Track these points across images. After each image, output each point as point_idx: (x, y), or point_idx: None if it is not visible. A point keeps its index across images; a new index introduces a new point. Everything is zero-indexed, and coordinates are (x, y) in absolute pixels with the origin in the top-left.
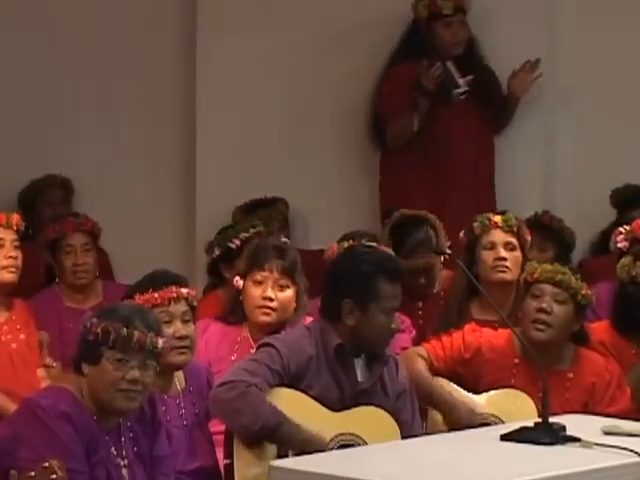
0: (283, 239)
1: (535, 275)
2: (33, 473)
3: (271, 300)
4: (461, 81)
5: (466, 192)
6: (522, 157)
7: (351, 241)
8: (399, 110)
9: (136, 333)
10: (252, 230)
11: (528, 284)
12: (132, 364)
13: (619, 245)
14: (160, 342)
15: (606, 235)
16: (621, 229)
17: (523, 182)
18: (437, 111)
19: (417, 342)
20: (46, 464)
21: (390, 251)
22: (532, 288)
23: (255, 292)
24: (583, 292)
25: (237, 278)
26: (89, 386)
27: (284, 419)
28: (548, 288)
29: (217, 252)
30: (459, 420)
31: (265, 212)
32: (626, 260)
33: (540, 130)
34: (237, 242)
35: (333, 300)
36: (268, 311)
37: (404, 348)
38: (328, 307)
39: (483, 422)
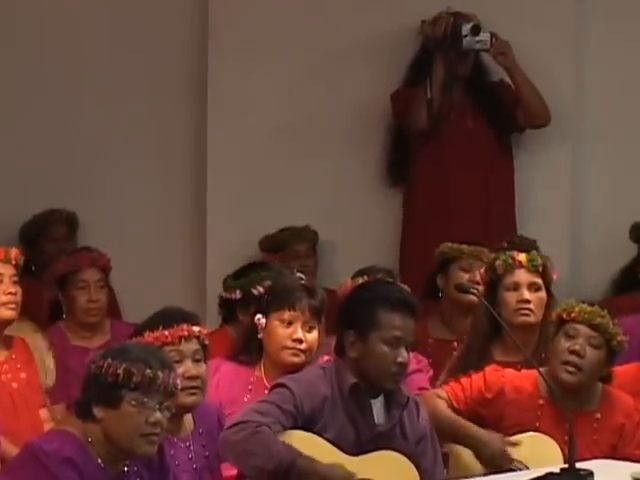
0: (299, 274)
1: (572, 314)
2: None
3: (301, 342)
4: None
5: (472, 222)
6: (548, 186)
7: (365, 277)
8: (414, 99)
9: (160, 374)
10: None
11: (562, 321)
12: (153, 406)
13: None
14: (179, 382)
15: (627, 272)
16: None
17: (547, 212)
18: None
19: None
20: None
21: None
22: (566, 327)
23: (284, 332)
24: (619, 338)
25: (259, 316)
26: (104, 431)
27: (299, 455)
28: (584, 330)
29: (239, 295)
30: (492, 452)
31: (294, 240)
32: None
33: (567, 160)
34: (261, 289)
35: (340, 334)
36: (298, 352)
37: (421, 388)
38: (337, 342)
39: (509, 467)
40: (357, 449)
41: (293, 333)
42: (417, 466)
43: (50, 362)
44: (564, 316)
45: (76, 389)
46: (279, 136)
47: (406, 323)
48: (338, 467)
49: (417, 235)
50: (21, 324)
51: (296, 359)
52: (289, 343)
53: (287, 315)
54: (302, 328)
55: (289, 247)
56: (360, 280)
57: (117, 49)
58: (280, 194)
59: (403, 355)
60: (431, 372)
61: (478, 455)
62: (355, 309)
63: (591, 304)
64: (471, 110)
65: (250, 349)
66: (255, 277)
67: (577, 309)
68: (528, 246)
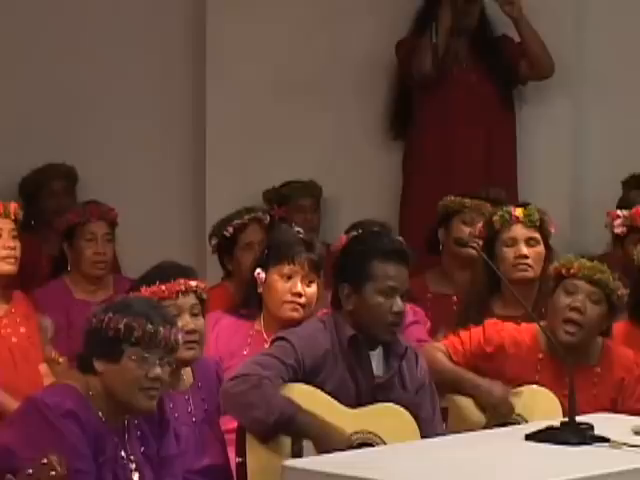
0: (297, 228)
1: (572, 270)
2: (31, 471)
3: (300, 296)
4: None
5: (474, 176)
6: (549, 140)
7: (360, 230)
8: (419, 45)
9: (161, 329)
10: (247, 216)
11: (561, 277)
12: (153, 361)
13: (616, 230)
14: (180, 337)
15: None
16: (619, 213)
17: (548, 166)
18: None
19: None
20: (45, 460)
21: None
22: (566, 282)
23: (283, 287)
24: (619, 293)
25: (259, 270)
26: (104, 384)
27: (299, 409)
28: (584, 286)
29: (213, 242)
30: (495, 399)
31: (299, 194)
32: None
33: (568, 113)
34: (230, 230)
35: (335, 288)
36: (297, 307)
37: (420, 340)
38: (333, 296)
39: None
40: (357, 401)
41: (292, 287)
42: (416, 416)
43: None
44: (563, 272)
45: (78, 342)
46: (280, 89)
47: (399, 272)
48: (335, 427)
49: (418, 189)
50: None
51: (295, 314)
52: (288, 297)
53: (286, 269)
54: (301, 282)
55: (293, 201)
56: (354, 233)
57: (116, 3)
58: (280, 147)
59: (398, 304)
60: (429, 324)
61: (479, 402)
62: (348, 262)
63: (590, 259)
64: (475, 65)
65: (250, 303)
66: (224, 220)
67: (576, 265)
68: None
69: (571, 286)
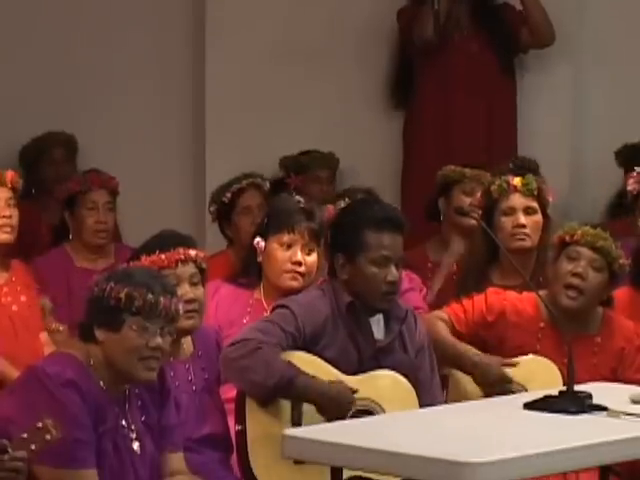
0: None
1: (575, 237)
2: (26, 435)
3: (300, 265)
4: None
5: (474, 145)
6: (549, 109)
7: (346, 199)
8: (420, 11)
9: (161, 299)
10: (245, 182)
11: (564, 244)
12: (154, 331)
13: (630, 188)
14: (180, 307)
15: (622, 197)
16: (638, 169)
17: (548, 135)
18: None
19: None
20: (39, 424)
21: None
22: (568, 249)
23: (283, 255)
24: (620, 261)
25: (258, 239)
26: (105, 353)
27: (299, 372)
28: (586, 252)
29: (212, 209)
30: (492, 377)
31: (317, 164)
32: None
33: (569, 82)
34: (228, 195)
35: (330, 257)
36: (297, 276)
37: (416, 307)
38: (329, 265)
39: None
40: (359, 366)
41: (292, 256)
42: (415, 379)
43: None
44: (566, 239)
45: (79, 311)
46: (280, 57)
47: (393, 241)
48: (338, 384)
49: (419, 157)
50: None
51: (295, 283)
52: (288, 266)
53: (286, 238)
54: (301, 251)
55: (311, 171)
56: (341, 203)
57: None
58: (280, 115)
59: (393, 273)
60: (425, 290)
61: (476, 379)
62: (341, 232)
63: (594, 226)
64: (476, 32)
65: (249, 272)
66: (222, 186)
67: (580, 232)
68: (530, 168)
69: (573, 252)
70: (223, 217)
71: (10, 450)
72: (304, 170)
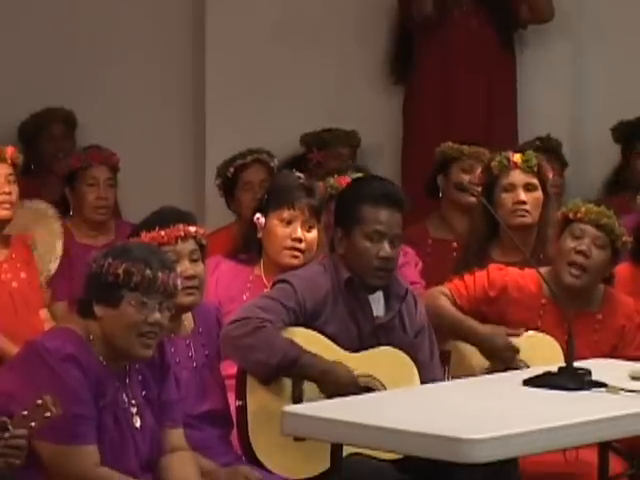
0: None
1: (579, 214)
2: (26, 412)
3: (300, 241)
4: None
5: (474, 121)
6: (548, 84)
7: (335, 175)
8: None
9: (160, 275)
10: (249, 157)
11: (568, 221)
12: (152, 306)
13: None
14: (179, 282)
15: (619, 172)
16: None
17: (548, 110)
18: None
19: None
20: (39, 401)
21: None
22: (572, 226)
23: (283, 232)
24: (624, 239)
25: (258, 215)
26: (103, 329)
27: (302, 351)
28: (590, 230)
29: (217, 182)
30: (498, 346)
31: (340, 142)
32: None
33: (568, 58)
34: (232, 170)
35: (332, 232)
36: (297, 253)
37: (412, 282)
38: (330, 240)
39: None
40: (359, 343)
41: (292, 232)
42: (415, 359)
43: (59, 248)
44: (570, 216)
45: (79, 287)
46: (280, 34)
47: (389, 217)
48: (340, 364)
49: (419, 133)
50: (39, 205)
51: (295, 261)
52: (288, 242)
53: (286, 214)
54: (301, 227)
55: (332, 147)
56: (331, 180)
57: None
58: (280, 92)
59: (385, 249)
60: (420, 264)
61: (483, 351)
62: (341, 206)
63: (598, 204)
64: (475, 8)
65: (250, 248)
66: (226, 161)
67: (584, 209)
68: (556, 147)
69: (577, 230)
70: (227, 192)
71: (10, 428)
72: (326, 146)
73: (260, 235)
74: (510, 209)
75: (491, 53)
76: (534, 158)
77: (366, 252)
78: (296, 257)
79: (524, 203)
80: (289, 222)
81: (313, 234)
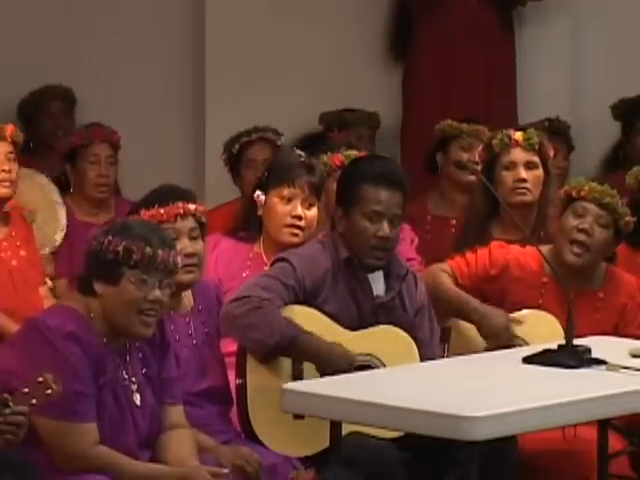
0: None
1: (582, 192)
2: (27, 389)
3: (300, 219)
4: None
5: (473, 99)
6: (548, 62)
7: (329, 153)
8: None
9: (159, 252)
10: (255, 135)
11: (571, 199)
12: (152, 284)
13: None
14: (179, 260)
15: (618, 150)
16: None
17: (547, 88)
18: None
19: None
20: (40, 379)
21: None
22: (575, 205)
23: (283, 209)
24: (626, 219)
25: (259, 193)
26: (103, 307)
27: (301, 331)
28: (593, 209)
29: (223, 157)
30: (496, 327)
31: (361, 122)
32: (636, 168)
33: (567, 35)
34: (237, 147)
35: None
36: (297, 231)
37: (409, 259)
38: (331, 219)
39: (511, 342)
40: (359, 322)
41: (292, 210)
42: (415, 338)
43: (63, 218)
44: (573, 194)
45: (79, 264)
46: (279, 10)
47: (389, 197)
48: (339, 346)
49: (419, 110)
50: (38, 176)
51: (294, 239)
52: (288, 220)
53: (286, 192)
54: (301, 205)
55: (353, 128)
56: (324, 157)
57: None
58: (279, 69)
59: (384, 229)
60: (416, 241)
61: (481, 330)
62: (341, 185)
63: (601, 183)
64: None
65: (249, 225)
66: (232, 138)
67: (587, 188)
68: (564, 129)
69: (580, 208)
70: (233, 168)
71: (11, 404)
72: (347, 126)
73: (260, 212)
74: (510, 187)
75: (490, 30)
76: (535, 136)
77: (365, 231)
78: (296, 235)
79: (524, 181)
80: (289, 200)
81: (313, 212)
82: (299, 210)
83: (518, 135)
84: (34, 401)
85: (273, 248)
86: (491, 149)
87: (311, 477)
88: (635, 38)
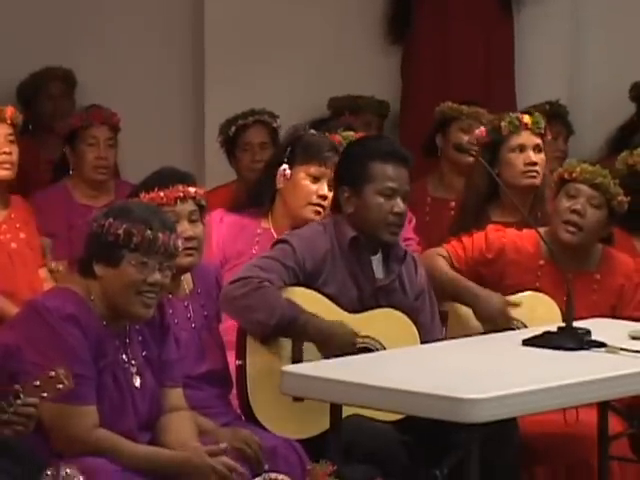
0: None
1: (574, 174)
2: (38, 383)
3: (325, 199)
4: None
5: (472, 81)
6: (547, 44)
7: (326, 133)
8: None
9: (160, 235)
10: (251, 118)
11: (564, 181)
12: (152, 266)
13: None
14: (179, 243)
15: (625, 130)
16: None
17: (546, 71)
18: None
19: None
20: (52, 373)
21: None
22: (568, 186)
23: (310, 187)
24: (619, 199)
25: (285, 167)
26: (103, 289)
27: (301, 311)
28: (585, 189)
29: (219, 139)
30: (492, 311)
31: (371, 109)
32: (625, 152)
33: (566, 17)
34: (233, 129)
35: (335, 192)
36: (320, 209)
37: (407, 239)
38: (333, 200)
39: (507, 326)
40: (359, 304)
41: (319, 189)
42: (415, 321)
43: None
44: (566, 176)
45: (79, 247)
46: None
47: (399, 173)
48: (341, 323)
49: (417, 92)
50: None
51: (317, 217)
52: (314, 199)
53: (315, 170)
54: (328, 185)
55: (362, 113)
56: None
57: None
58: (278, 51)
59: (399, 205)
60: (414, 221)
61: (477, 313)
62: (348, 165)
63: (592, 164)
64: None
65: (262, 199)
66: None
67: (578, 169)
68: (564, 113)
69: (573, 190)
70: (229, 150)
71: (22, 396)
72: (356, 111)
73: (280, 186)
74: (522, 170)
75: (489, 10)
76: (542, 120)
77: (380, 208)
78: (319, 213)
79: (535, 164)
80: (316, 178)
81: (331, 194)
82: (325, 190)
83: (527, 118)
84: (45, 394)
85: (285, 223)
86: (497, 130)
87: (330, 470)
88: (634, 15)
